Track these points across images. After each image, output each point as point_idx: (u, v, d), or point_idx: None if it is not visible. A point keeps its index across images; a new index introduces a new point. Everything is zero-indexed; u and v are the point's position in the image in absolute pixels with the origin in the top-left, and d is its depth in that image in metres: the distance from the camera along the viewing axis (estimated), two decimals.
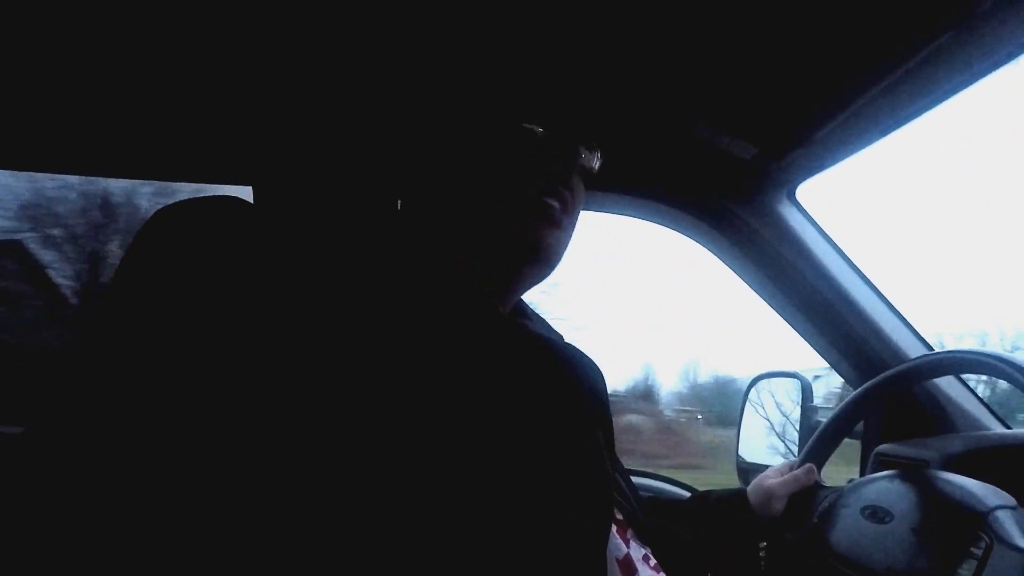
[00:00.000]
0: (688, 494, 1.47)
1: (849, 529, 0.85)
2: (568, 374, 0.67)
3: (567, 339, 0.76)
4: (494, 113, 0.62)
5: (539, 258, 0.66)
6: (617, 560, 0.67)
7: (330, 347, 0.51)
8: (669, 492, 1.46)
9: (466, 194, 0.64)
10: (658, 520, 0.90)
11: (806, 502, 0.93)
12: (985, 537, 0.70)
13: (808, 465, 0.98)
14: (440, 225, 0.63)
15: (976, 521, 0.72)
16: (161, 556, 0.45)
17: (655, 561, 0.72)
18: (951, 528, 0.75)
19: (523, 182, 0.65)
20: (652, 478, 1.49)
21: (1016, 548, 0.68)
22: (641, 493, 0.88)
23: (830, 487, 0.95)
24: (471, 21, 0.65)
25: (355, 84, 0.62)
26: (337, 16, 0.61)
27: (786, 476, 0.97)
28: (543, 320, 0.76)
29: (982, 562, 0.69)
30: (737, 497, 0.97)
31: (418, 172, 0.63)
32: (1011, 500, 0.75)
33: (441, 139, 0.63)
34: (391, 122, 0.61)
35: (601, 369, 0.73)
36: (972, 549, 0.71)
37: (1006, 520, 0.72)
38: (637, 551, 0.71)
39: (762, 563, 0.97)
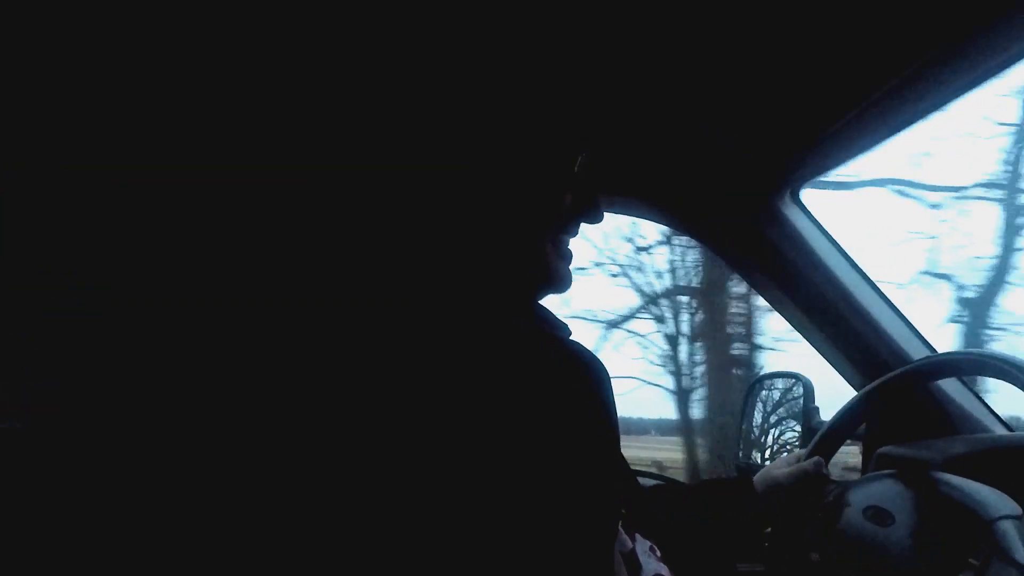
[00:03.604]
0: None
1: (851, 528, 0.85)
2: (571, 372, 0.67)
3: (571, 335, 0.76)
4: (505, 119, 0.61)
5: (552, 285, 0.69)
6: (622, 554, 0.67)
7: (336, 349, 0.51)
8: None
9: (486, 221, 0.63)
10: (663, 509, 0.90)
11: (812, 494, 0.93)
12: (985, 548, 0.69)
13: (816, 458, 0.98)
14: (451, 237, 0.63)
15: (978, 530, 0.71)
16: (162, 556, 0.45)
17: (660, 553, 0.73)
18: (951, 536, 0.74)
19: (551, 221, 0.66)
20: (655, 478, 1.49)
21: (1015, 564, 0.66)
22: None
23: (836, 481, 0.95)
24: (475, 22, 0.65)
25: (365, 88, 0.62)
26: (349, 15, 0.61)
27: (793, 467, 0.97)
28: (549, 313, 0.76)
29: (979, 574, 0.68)
30: (743, 484, 0.98)
31: (444, 188, 0.62)
32: (1017, 509, 0.73)
33: (459, 155, 0.61)
34: (413, 129, 0.60)
35: (606, 366, 0.73)
36: (971, 560, 0.70)
37: (1009, 531, 0.69)
38: (642, 544, 0.71)
39: (765, 550, 0.97)
